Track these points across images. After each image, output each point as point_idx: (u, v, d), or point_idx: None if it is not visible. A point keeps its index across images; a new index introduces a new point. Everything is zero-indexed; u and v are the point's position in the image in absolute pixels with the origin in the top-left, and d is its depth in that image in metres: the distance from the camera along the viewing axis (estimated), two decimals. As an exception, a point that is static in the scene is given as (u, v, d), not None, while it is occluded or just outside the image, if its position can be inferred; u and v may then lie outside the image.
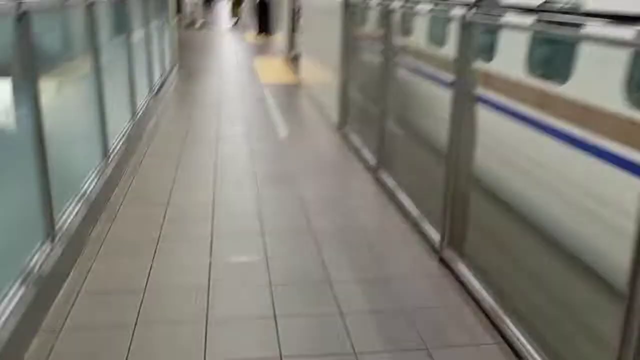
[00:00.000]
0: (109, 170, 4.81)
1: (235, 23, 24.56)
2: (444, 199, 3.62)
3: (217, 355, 2.76)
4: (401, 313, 3.14)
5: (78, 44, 4.70)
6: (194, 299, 3.23)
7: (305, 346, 2.86)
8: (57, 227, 3.41)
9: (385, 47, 5.12)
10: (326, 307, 3.18)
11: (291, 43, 13.33)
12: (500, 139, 4.69)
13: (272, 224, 4.28)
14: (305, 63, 10.41)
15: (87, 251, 3.76)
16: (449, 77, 3.56)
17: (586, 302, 3.37)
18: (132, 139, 5.99)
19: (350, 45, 6.59)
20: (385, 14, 5.07)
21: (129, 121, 6.21)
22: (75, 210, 3.81)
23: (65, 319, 3.01)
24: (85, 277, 3.43)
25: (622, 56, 3.55)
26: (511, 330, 2.88)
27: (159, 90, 8.58)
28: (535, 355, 2.67)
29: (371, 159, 5.50)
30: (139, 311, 3.09)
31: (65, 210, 3.71)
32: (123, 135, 5.69)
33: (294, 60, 12.36)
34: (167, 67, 10.24)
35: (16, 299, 2.74)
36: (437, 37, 6.54)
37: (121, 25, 6.22)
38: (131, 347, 2.79)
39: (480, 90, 3.77)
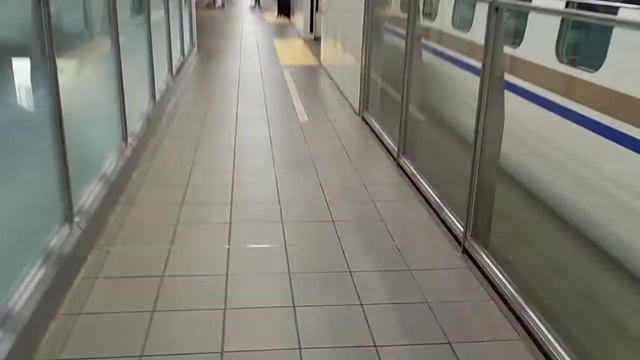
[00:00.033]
0: (128, 152, 4.78)
1: (256, 3, 24.37)
2: (469, 188, 3.51)
3: (235, 345, 2.71)
4: (423, 305, 3.07)
5: (97, 23, 4.64)
6: (212, 286, 3.19)
7: (324, 337, 2.80)
8: (75, 209, 3.39)
9: (409, 30, 4.99)
10: (346, 298, 3.12)
11: (312, 24, 13.17)
12: (528, 128, 4.55)
13: (291, 210, 4.22)
14: (325, 45, 10.26)
15: (106, 234, 3.73)
16: (473, 62, 3.43)
17: (615, 297, 3.27)
18: (152, 120, 5.95)
19: (373, 27, 6.45)
20: (411, -4, 4.93)
21: (149, 102, 6.17)
22: (95, 192, 3.79)
23: (84, 303, 2.99)
24: (104, 261, 3.40)
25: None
26: (536, 326, 2.80)
27: (178, 71, 8.52)
28: (562, 352, 2.59)
29: (393, 145, 5.40)
30: (157, 298, 3.06)
31: (85, 192, 3.68)
32: (143, 117, 5.65)
33: (314, 41, 12.21)
34: (187, 48, 10.17)
35: (34, 282, 2.72)
36: (462, 21, 6.37)
37: (140, 5, 6.15)
38: (148, 334, 2.76)
39: (507, 77, 3.64)
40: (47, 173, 3.15)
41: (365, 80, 6.67)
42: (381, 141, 5.82)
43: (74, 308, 2.94)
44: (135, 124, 5.28)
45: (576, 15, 3.89)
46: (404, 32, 5.07)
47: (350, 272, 3.38)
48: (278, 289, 3.20)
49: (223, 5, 23.58)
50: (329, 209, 4.26)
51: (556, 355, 2.60)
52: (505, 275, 3.17)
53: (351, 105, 7.33)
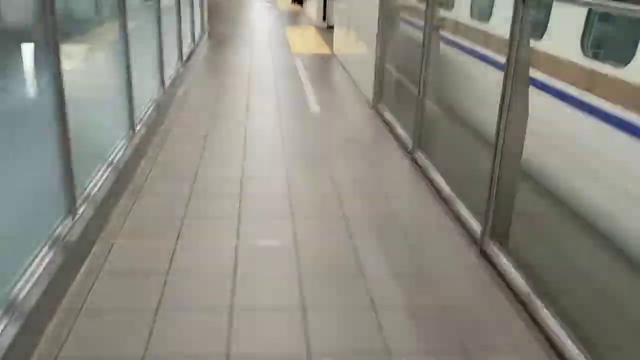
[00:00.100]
0: (136, 140, 4.66)
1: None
2: (489, 187, 3.36)
3: (241, 348, 2.59)
4: (438, 310, 2.93)
5: (106, 8, 4.50)
6: (218, 285, 3.06)
7: (334, 342, 2.67)
8: (79, 200, 3.27)
9: (426, 20, 4.80)
10: (358, 300, 2.98)
11: (325, 12, 12.97)
12: (551, 125, 4.38)
13: (302, 206, 4.08)
14: (339, 33, 10.07)
15: (111, 227, 3.62)
16: (491, 53, 3.25)
17: None
18: (161, 108, 5.83)
19: (388, 17, 6.26)
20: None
21: (158, 89, 6.04)
22: (100, 182, 3.67)
23: (85, 299, 2.88)
24: (107, 255, 3.29)
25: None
26: (558, 334, 2.65)
27: (188, 57, 8.38)
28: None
29: (407, 139, 5.24)
30: (161, 296, 2.94)
31: (90, 181, 3.57)
32: (151, 104, 5.52)
33: (327, 30, 12.02)
34: (197, 35, 10.02)
35: (34, 277, 2.61)
36: (481, 10, 6.17)
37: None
38: (151, 334, 2.65)
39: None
40: (48, 162, 3.03)
41: (380, 71, 6.50)
42: (395, 134, 5.65)
43: (76, 305, 2.82)
44: (143, 111, 5.15)
45: (602, 5, 3.70)
46: (420, 22, 4.89)
47: (362, 272, 3.24)
48: (287, 289, 3.06)
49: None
50: (340, 205, 4.12)
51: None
52: (526, 279, 3.02)
53: (364, 97, 7.15)
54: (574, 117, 4.21)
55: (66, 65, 3.06)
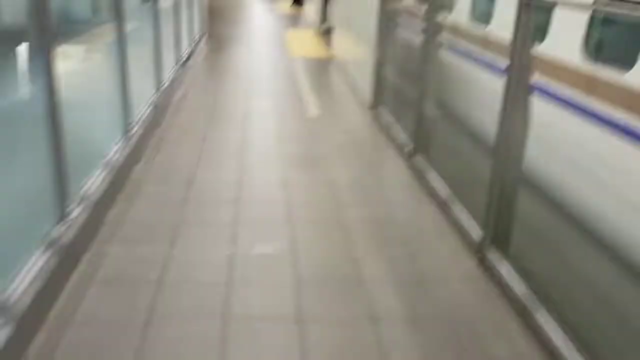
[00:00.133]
0: (131, 143, 4.59)
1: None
2: (489, 194, 3.30)
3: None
4: (439, 320, 2.87)
5: (103, 10, 4.45)
6: (212, 294, 2.99)
7: (332, 356, 2.60)
8: (72, 204, 3.20)
9: (426, 24, 4.75)
10: (357, 311, 2.91)
11: (324, 15, 12.92)
12: (551, 131, 4.33)
13: (299, 212, 4.01)
14: (338, 37, 10.02)
15: (104, 231, 3.55)
16: (490, 56, 3.19)
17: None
18: (158, 110, 5.76)
19: (387, 20, 6.21)
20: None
21: (155, 92, 5.98)
22: (94, 186, 3.60)
23: (77, 306, 2.81)
24: (100, 261, 3.22)
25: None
26: (561, 345, 2.59)
27: (186, 60, 8.32)
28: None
29: (406, 143, 5.18)
30: (153, 305, 2.87)
31: (83, 185, 3.50)
32: (148, 106, 5.46)
33: (326, 33, 11.97)
34: (196, 37, 9.97)
35: (23, 285, 2.54)
36: (481, 13, 6.12)
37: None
38: (141, 345, 2.58)
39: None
40: (40, 164, 2.96)
41: (378, 75, 6.44)
42: (394, 138, 5.60)
43: (65, 312, 2.75)
44: (139, 114, 5.09)
45: (606, 9, 3.65)
46: (420, 25, 4.84)
47: (361, 282, 3.17)
48: (284, 300, 2.98)
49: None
50: (338, 211, 4.05)
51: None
52: (527, 287, 2.96)
53: (363, 100, 7.10)
54: (573, 122, 4.16)
55: (62, 66, 3.00)
